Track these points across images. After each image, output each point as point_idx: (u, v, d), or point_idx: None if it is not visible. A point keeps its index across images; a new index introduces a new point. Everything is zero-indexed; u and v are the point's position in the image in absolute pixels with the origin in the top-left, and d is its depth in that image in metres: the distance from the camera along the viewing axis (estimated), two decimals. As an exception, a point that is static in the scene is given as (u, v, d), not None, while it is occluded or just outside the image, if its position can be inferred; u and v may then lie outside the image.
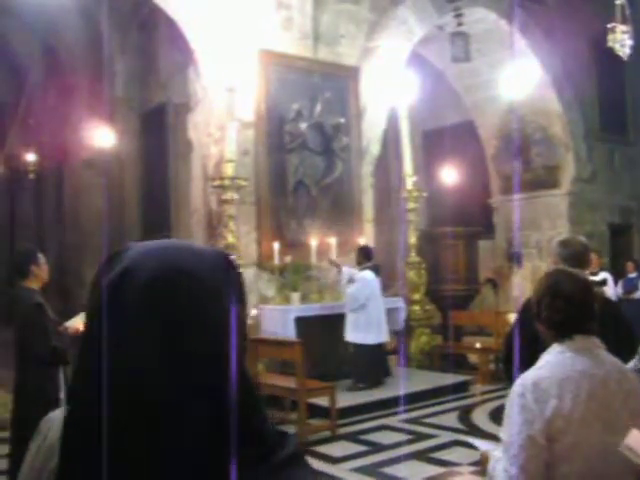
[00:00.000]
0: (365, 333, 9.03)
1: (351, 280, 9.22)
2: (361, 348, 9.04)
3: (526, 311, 3.80)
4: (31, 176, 16.65)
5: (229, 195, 8.86)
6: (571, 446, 2.12)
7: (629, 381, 2.33)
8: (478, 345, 10.90)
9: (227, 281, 0.87)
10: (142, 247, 0.87)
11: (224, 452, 0.76)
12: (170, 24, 10.19)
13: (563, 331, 2.33)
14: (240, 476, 0.76)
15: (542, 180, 14.40)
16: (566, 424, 2.13)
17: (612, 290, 10.72)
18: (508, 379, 3.65)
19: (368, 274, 9.18)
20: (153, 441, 0.75)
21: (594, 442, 2.13)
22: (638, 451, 1.83)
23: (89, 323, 0.84)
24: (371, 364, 9.09)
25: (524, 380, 2.26)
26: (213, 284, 0.84)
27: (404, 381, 9.21)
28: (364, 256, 9.41)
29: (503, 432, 2.28)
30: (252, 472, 0.78)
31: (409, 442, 7.13)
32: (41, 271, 5.13)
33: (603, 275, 10.60)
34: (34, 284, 5.07)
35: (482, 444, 2.77)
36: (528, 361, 2.66)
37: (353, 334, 9.07)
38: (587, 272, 3.95)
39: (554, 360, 2.29)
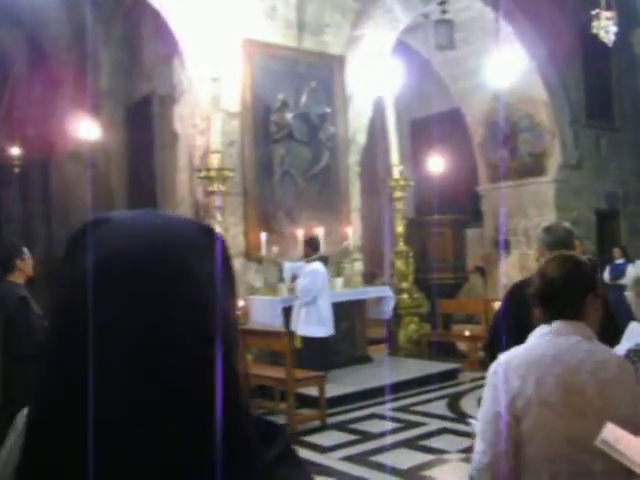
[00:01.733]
0: (317, 326, 8.70)
1: (295, 274, 9.06)
2: (312, 341, 8.65)
3: (511, 298, 3.83)
4: (16, 170, 16.54)
5: (215, 186, 8.83)
6: (532, 428, 2.14)
7: (607, 371, 2.27)
8: (467, 333, 10.96)
9: (217, 261, 0.76)
10: (120, 225, 0.75)
11: (209, 457, 0.69)
12: (154, 15, 10.12)
13: (548, 314, 2.35)
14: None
15: (529, 167, 14.43)
16: (526, 406, 2.16)
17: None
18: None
19: (319, 266, 8.87)
20: (126, 445, 0.67)
21: (559, 427, 2.13)
22: (614, 444, 1.82)
23: (62, 319, 0.72)
24: (321, 357, 8.62)
25: (500, 358, 2.30)
26: (205, 266, 0.74)
27: (393, 370, 9.23)
28: (312, 248, 9.07)
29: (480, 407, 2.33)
30: (240, 475, 0.72)
31: (398, 430, 7.16)
32: (26, 265, 5.12)
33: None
34: (19, 278, 5.07)
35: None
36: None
37: (305, 327, 8.68)
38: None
39: (532, 342, 2.33)
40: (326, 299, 8.84)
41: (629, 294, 3.16)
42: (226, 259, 0.79)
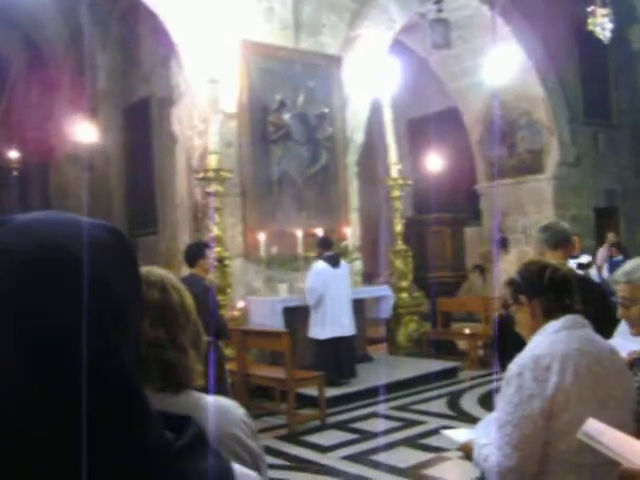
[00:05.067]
0: (321, 328, 8.61)
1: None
2: (321, 344, 8.63)
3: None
4: (15, 173, 16.56)
5: (214, 187, 8.84)
6: (569, 423, 2.12)
7: (619, 360, 2.38)
8: (467, 331, 10.96)
9: (114, 259, 0.76)
10: (15, 223, 0.74)
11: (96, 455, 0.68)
12: (151, 16, 10.14)
13: (558, 308, 2.38)
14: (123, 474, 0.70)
15: (527, 165, 14.45)
16: (565, 400, 2.15)
17: (595, 273, 10.80)
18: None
19: (319, 264, 8.69)
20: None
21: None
22: (597, 437, 1.84)
23: None
24: (323, 360, 8.55)
25: (522, 360, 2.26)
26: (99, 265, 0.73)
27: (393, 369, 9.24)
28: (322, 246, 8.91)
29: (497, 410, 2.29)
30: (142, 468, 0.71)
31: (398, 429, 7.17)
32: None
33: (586, 258, 10.68)
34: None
35: (457, 435, 2.75)
36: (518, 345, 2.69)
37: (311, 329, 8.68)
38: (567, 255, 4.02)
39: (549, 339, 2.30)
40: (333, 297, 8.68)
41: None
42: (130, 258, 0.79)
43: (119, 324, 0.73)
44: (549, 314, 2.39)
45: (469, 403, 8.19)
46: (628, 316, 2.70)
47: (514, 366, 2.27)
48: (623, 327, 3.00)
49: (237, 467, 0.86)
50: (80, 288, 0.69)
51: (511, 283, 2.55)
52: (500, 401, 2.29)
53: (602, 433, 1.84)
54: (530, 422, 2.16)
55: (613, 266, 11.97)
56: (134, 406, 0.73)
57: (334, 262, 8.81)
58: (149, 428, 0.73)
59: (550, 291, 2.41)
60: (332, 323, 8.64)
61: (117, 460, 0.70)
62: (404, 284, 11.11)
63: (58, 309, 0.69)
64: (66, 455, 0.67)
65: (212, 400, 1.57)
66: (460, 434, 2.75)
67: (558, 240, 3.97)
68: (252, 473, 0.93)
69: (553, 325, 2.34)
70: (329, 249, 8.92)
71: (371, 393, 8.40)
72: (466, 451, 2.52)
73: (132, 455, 0.71)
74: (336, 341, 8.63)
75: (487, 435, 2.38)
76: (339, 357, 8.69)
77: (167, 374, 1.47)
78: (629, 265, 2.74)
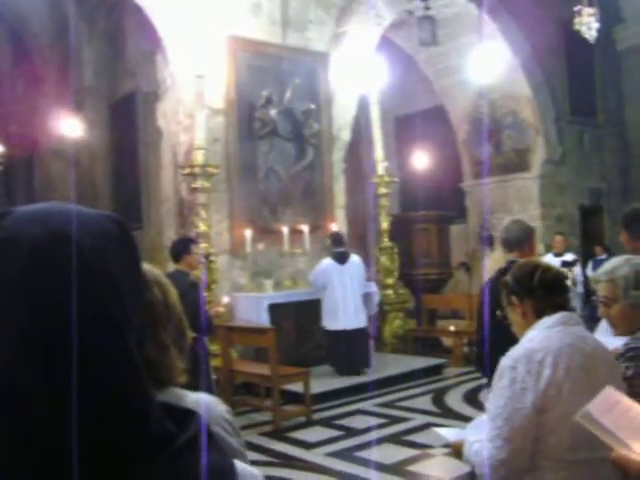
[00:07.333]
0: (326, 319, 9.16)
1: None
2: (327, 334, 9.20)
3: (493, 285, 3.86)
4: (0, 167, 16.43)
5: (200, 183, 8.80)
6: (561, 417, 2.15)
7: (611, 357, 2.43)
8: (452, 328, 10.99)
9: (121, 251, 0.78)
10: (22, 212, 0.76)
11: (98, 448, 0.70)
12: (138, 11, 10.07)
13: (551, 306, 2.43)
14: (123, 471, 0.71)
15: (513, 163, 14.47)
16: (557, 393, 2.18)
17: (579, 271, 10.88)
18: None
19: (325, 260, 9.21)
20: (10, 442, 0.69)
21: None
22: (597, 418, 1.73)
23: None
24: (333, 350, 9.13)
25: (516, 353, 2.30)
26: (106, 255, 0.75)
27: (378, 365, 9.25)
28: (332, 242, 9.41)
29: (490, 403, 2.31)
30: (144, 455, 0.72)
31: (383, 426, 7.18)
32: None
33: (571, 256, 10.75)
34: None
35: (450, 434, 2.75)
36: (501, 339, 2.70)
37: (322, 319, 9.24)
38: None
39: (542, 334, 2.34)
40: (337, 292, 9.03)
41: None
42: (134, 250, 0.81)
43: (125, 315, 0.75)
44: (540, 313, 2.43)
45: (454, 400, 8.21)
46: (609, 315, 2.71)
47: (508, 359, 2.30)
48: (603, 326, 3.02)
49: (239, 463, 0.88)
50: (89, 277, 0.72)
51: (504, 285, 2.60)
52: (493, 392, 2.32)
53: (612, 407, 1.74)
54: (522, 415, 2.19)
55: (597, 264, 12.05)
56: (137, 395, 0.76)
57: (341, 258, 9.17)
58: (151, 417, 0.75)
59: (540, 291, 2.45)
60: (336, 317, 9.04)
61: (119, 447, 0.71)
62: (390, 281, 11.12)
63: (67, 297, 0.70)
64: (67, 440, 0.68)
65: (194, 397, 1.56)
66: (451, 433, 2.76)
67: (509, 243, 4.09)
68: (254, 470, 0.94)
69: (547, 320, 2.38)
70: (339, 246, 9.27)
71: (356, 390, 8.43)
72: (457, 449, 2.53)
73: (134, 442, 0.73)
74: (341, 334, 8.98)
75: (478, 435, 2.39)
76: (347, 349, 9.00)
77: (147, 371, 1.45)
78: (609, 264, 2.75)
